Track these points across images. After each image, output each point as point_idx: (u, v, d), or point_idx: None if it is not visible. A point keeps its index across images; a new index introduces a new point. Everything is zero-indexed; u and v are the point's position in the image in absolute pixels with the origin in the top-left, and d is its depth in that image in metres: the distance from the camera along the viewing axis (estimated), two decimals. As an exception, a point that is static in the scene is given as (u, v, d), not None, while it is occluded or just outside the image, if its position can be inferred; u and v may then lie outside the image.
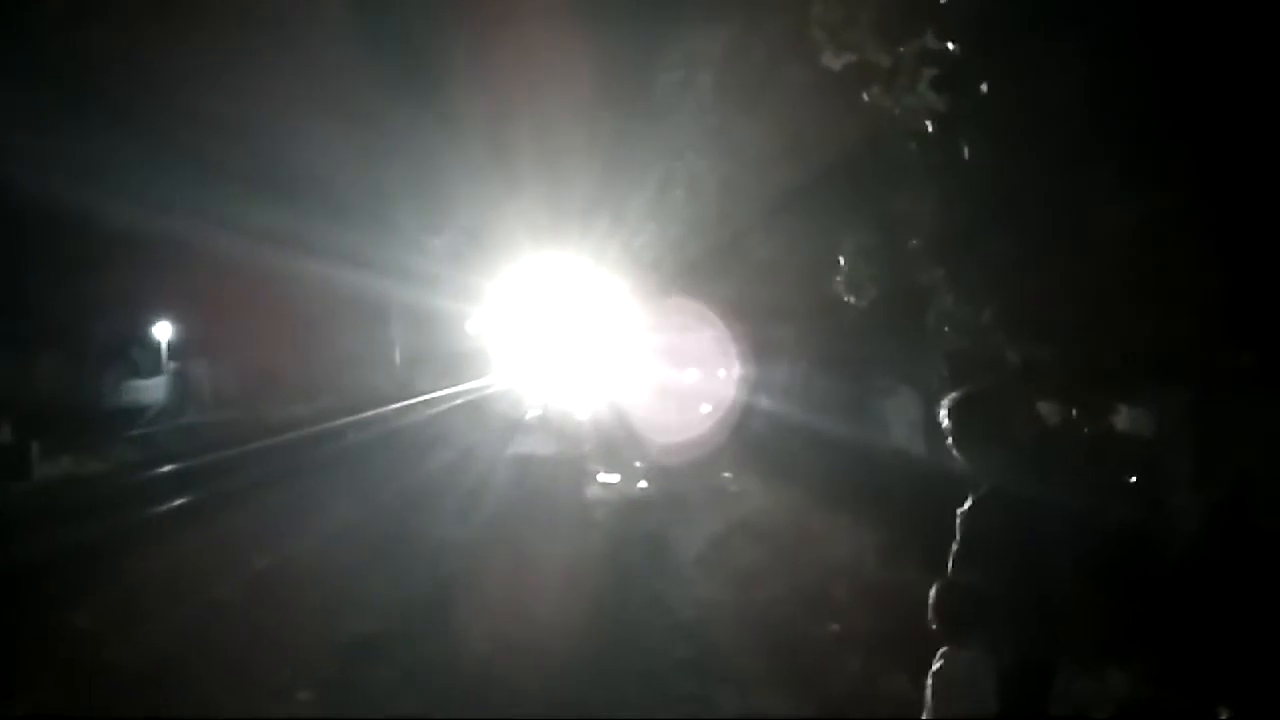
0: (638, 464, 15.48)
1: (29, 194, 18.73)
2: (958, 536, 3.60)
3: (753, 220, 12.52)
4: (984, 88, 6.53)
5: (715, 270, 14.73)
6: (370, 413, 25.89)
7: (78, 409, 20.86)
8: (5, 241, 19.59)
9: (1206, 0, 5.72)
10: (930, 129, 6.96)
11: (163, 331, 25.64)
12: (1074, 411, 7.02)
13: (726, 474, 13.85)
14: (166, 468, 15.79)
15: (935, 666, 3.53)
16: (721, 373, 17.82)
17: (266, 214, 23.25)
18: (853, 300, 8.95)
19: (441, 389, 34.24)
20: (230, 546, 9.92)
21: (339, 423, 23.10)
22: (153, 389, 25.25)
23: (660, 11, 14.85)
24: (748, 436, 15.30)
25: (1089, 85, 6.18)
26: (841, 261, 8.88)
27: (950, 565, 3.60)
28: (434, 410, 29.19)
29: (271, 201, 23.35)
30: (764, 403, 15.56)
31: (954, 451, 3.71)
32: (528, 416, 25.94)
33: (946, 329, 7.45)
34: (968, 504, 3.62)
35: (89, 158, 19.30)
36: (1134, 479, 6.78)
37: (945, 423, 3.72)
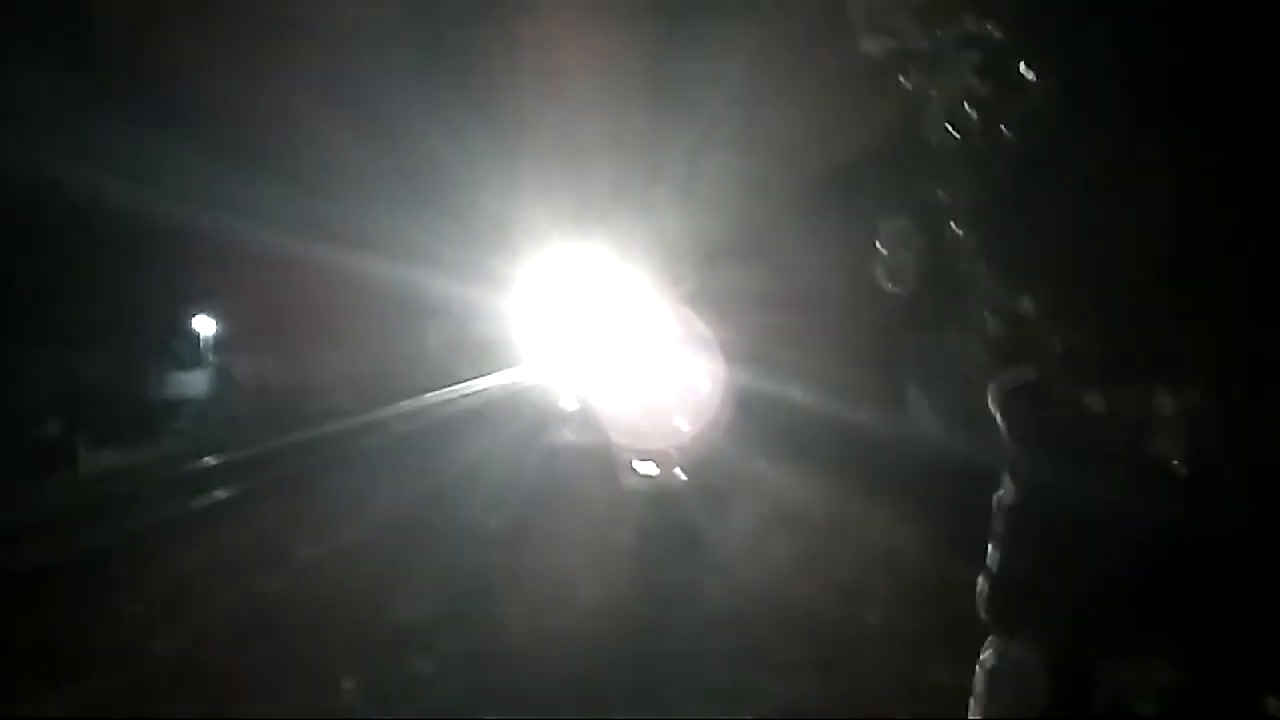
0: (673, 454, 15.48)
1: (74, 190, 19.04)
2: (1002, 528, 3.57)
3: (786, 207, 12.43)
4: (1026, 72, 6.44)
5: (747, 259, 14.62)
6: (410, 403, 26.08)
7: (123, 402, 21.21)
8: (52, 237, 19.95)
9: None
10: (971, 115, 6.87)
11: (204, 325, 25.97)
12: (1118, 400, 6.92)
13: (762, 464, 13.80)
14: (209, 460, 16.01)
15: (983, 659, 3.50)
16: (754, 363, 17.69)
17: (303, 208, 23.49)
18: (892, 288, 8.88)
19: (476, 379, 34.41)
20: (276, 538, 10.07)
21: (380, 414, 23.31)
22: (195, 382, 25.59)
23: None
24: (783, 427, 15.20)
25: (1134, 69, 6.08)
26: (880, 249, 8.80)
27: (995, 557, 3.56)
28: (471, 401, 29.36)
29: (307, 195, 23.57)
30: (798, 393, 15.43)
31: (1000, 440, 3.68)
32: (562, 407, 26.02)
33: (988, 317, 7.37)
34: (1011, 495, 3.58)
35: (133, 154, 19.57)
36: (1180, 468, 6.67)
37: (993, 412, 3.68)
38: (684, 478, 13.80)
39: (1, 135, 16.90)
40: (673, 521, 10.73)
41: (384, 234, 27.29)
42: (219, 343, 26.52)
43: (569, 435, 19.47)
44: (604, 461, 15.32)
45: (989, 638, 3.52)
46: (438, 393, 29.50)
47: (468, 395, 30.46)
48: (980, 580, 3.54)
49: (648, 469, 14.53)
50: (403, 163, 26.91)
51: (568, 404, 26.47)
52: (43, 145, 18.14)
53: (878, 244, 8.98)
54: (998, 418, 3.65)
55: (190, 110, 20.71)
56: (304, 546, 9.62)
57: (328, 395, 27.68)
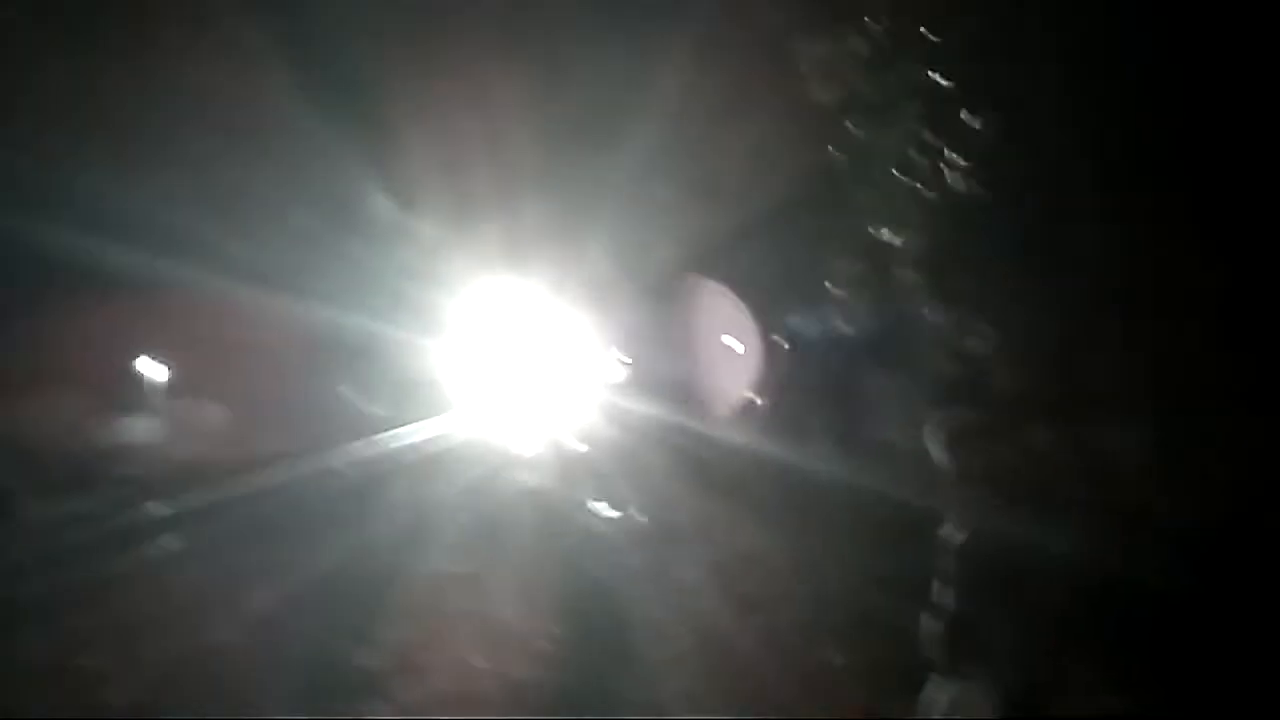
0: (635, 495, 15.43)
1: (18, 235, 18.72)
2: (947, 567, 3.62)
3: (734, 245, 12.52)
4: (970, 119, 6.64)
5: (694, 297, 14.67)
6: (368, 447, 25.65)
7: (68, 449, 20.73)
8: (-5, 282, 19.58)
9: (1181, 27, 5.85)
10: (918, 160, 7.06)
11: (151, 370, 25.55)
12: (1066, 439, 7.05)
13: (721, 505, 13.80)
14: (154, 507, 15.56)
15: (934, 696, 3.55)
16: (704, 403, 17.69)
17: (234, 248, 23.29)
18: (846, 329, 9.02)
19: (423, 418, 33.91)
20: (228, 583, 9.88)
21: (329, 456, 22.92)
22: (144, 427, 25.10)
23: (620, 38, 14.94)
24: (735, 469, 15.23)
25: (1072, 110, 6.31)
26: (832, 289, 8.94)
27: (941, 595, 3.62)
28: (428, 446, 28.95)
29: (237, 235, 23.38)
30: (751, 434, 15.46)
31: (945, 480, 3.74)
32: (519, 452, 25.74)
33: (939, 357, 7.51)
34: (955, 534, 3.64)
35: (78, 196, 19.31)
36: (1128, 503, 6.79)
37: (934, 449, 3.75)
38: (643, 519, 13.77)
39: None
40: (635, 563, 10.72)
41: (306, 271, 26.98)
42: (167, 388, 26.10)
43: (530, 479, 19.30)
44: (567, 505, 15.24)
45: (940, 675, 3.57)
46: (387, 435, 29.02)
47: (408, 437, 30.00)
48: (929, 619, 3.59)
49: (609, 512, 14.49)
50: (325, 198, 26.62)
51: (525, 447, 26.21)
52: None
53: (829, 284, 9.13)
54: (940, 457, 3.72)
55: (141, 157, 20.52)
56: (259, 592, 9.49)
57: (281, 439, 27.17)
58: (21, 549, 12.80)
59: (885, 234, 7.87)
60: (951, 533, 3.68)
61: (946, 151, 6.95)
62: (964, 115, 6.73)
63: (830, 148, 8.27)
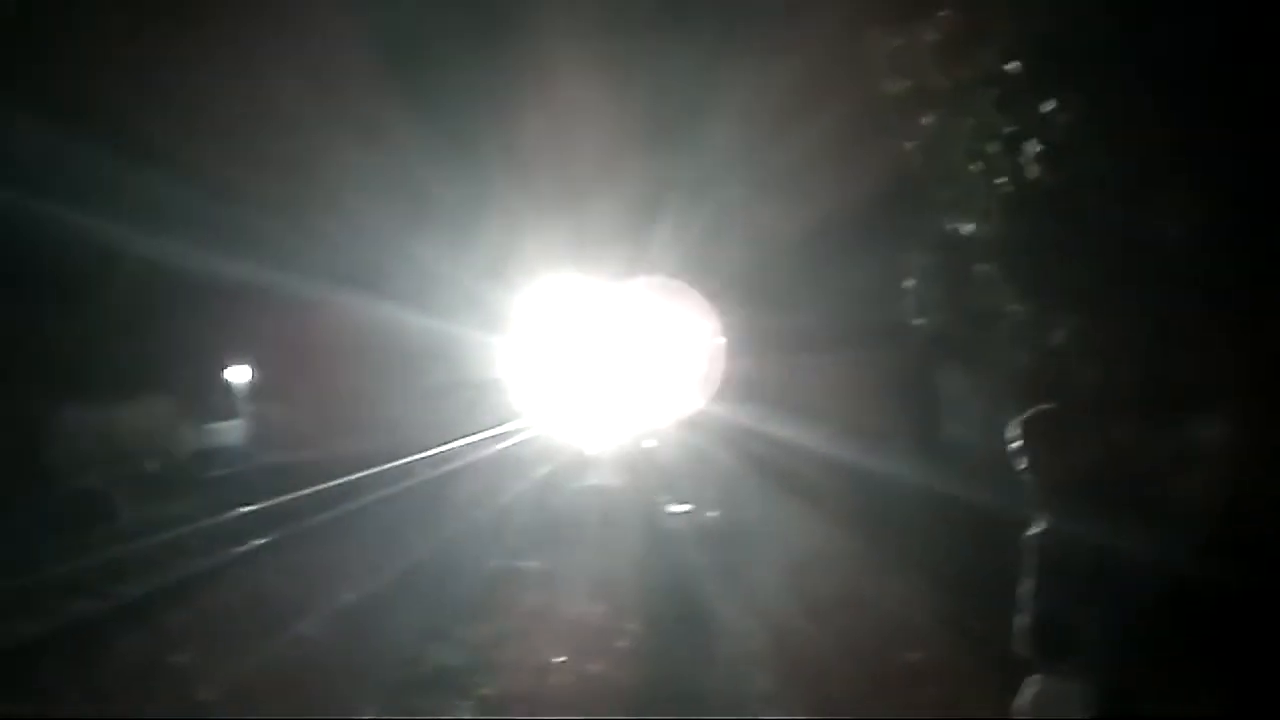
0: (705, 492, 15.49)
1: (108, 242, 19.38)
2: (1031, 563, 3.56)
3: (804, 242, 12.45)
4: (1047, 107, 6.50)
5: (765, 292, 14.61)
6: (440, 448, 26.08)
7: (160, 453, 21.47)
8: (88, 292, 20.33)
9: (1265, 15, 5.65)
10: (994, 149, 6.93)
11: (239, 374, 26.24)
12: (1150, 434, 6.86)
13: (793, 503, 13.74)
14: (243, 509, 16.00)
15: (1024, 694, 3.49)
16: (777, 401, 17.58)
17: (313, 254, 23.94)
18: (922, 323, 8.90)
19: (496, 422, 34.26)
20: (307, 584, 10.18)
21: (409, 459, 23.35)
22: (231, 431, 25.79)
23: (690, 34, 14.98)
24: (810, 467, 15.14)
25: (1153, 100, 6.13)
26: (909, 284, 8.83)
27: (1028, 592, 3.55)
28: (497, 444, 29.31)
29: (316, 240, 24.05)
30: (823, 433, 15.32)
31: (1024, 473, 3.67)
32: (590, 450, 25.94)
33: (1018, 349, 7.37)
34: (1037, 530, 3.57)
35: (165, 206, 19.93)
36: (1213, 500, 6.57)
37: (1015, 444, 3.68)
38: (715, 515, 13.80)
39: (34, 187, 17.17)
40: (709, 559, 10.78)
41: (380, 274, 27.55)
42: (254, 392, 26.77)
43: (603, 477, 19.51)
44: (641, 503, 15.36)
45: (1031, 672, 3.51)
46: (467, 437, 29.43)
47: (494, 438, 30.38)
48: (1016, 615, 3.53)
49: (681, 508, 14.56)
50: (396, 198, 27.03)
51: (597, 447, 26.40)
52: (75, 198, 18.47)
53: (908, 280, 9.01)
54: (1017, 452, 3.65)
55: (228, 166, 21.14)
56: (342, 591, 9.73)
57: (358, 442, 27.76)
58: (118, 549, 13.32)
59: (963, 225, 7.75)
60: (1033, 529, 3.61)
61: (1023, 140, 6.81)
62: (1040, 103, 6.59)
63: (905, 141, 8.18)
